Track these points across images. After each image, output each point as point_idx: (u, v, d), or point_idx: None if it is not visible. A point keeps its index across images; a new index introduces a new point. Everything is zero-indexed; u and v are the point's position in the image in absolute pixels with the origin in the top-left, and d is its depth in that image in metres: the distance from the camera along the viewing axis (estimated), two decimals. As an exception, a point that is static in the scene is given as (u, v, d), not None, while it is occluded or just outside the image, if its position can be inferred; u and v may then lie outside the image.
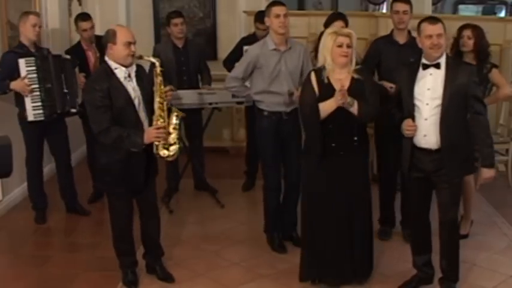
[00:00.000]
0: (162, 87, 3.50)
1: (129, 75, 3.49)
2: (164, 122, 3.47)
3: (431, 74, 3.40)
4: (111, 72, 3.43)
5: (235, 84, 4.24)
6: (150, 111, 3.55)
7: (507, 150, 5.71)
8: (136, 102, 3.49)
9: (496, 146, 5.56)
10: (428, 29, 3.36)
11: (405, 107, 3.49)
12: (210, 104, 5.09)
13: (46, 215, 4.86)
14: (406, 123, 3.45)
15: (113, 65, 3.45)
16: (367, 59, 4.45)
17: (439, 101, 3.35)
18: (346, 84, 3.55)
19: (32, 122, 4.50)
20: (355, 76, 3.57)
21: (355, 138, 3.60)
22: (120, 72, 3.44)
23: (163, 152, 3.49)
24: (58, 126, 4.72)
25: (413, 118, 3.44)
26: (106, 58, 3.50)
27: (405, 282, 3.72)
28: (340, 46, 3.51)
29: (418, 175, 3.52)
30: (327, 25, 4.33)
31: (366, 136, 3.72)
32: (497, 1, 10.36)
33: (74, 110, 4.67)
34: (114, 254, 3.80)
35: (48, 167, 5.24)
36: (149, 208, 3.78)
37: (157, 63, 3.51)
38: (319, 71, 3.61)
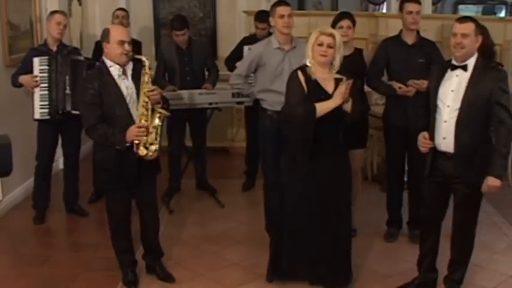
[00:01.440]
0: (149, 85, 3.48)
1: (124, 73, 3.52)
2: (147, 120, 3.48)
3: (457, 76, 3.33)
4: (106, 71, 3.49)
5: (239, 81, 4.32)
6: None
7: (507, 150, 5.69)
8: (128, 99, 3.51)
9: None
10: (455, 27, 3.30)
11: (431, 106, 3.43)
12: (210, 104, 5.09)
13: (45, 215, 4.86)
14: (422, 139, 3.42)
15: (108, 63, 3.51)
16: (376, 60, 4.44)
17: (460, 104, 3.28)
18: (332, 83, 3.52)
19: (41, 120, 4.56)
20: (337, 77, 3.54)
21: (339, 140, 3.59)
22: (114, 70, 3.50)
23: (142, 151, 3.49)
24: (73, 124, 4.67)
25: (434, 119, 3.39)
26: (103, 57, 3.55)
27: (405, 285, 3.70)
28: (320, 45, 3.48)
29: (437, 180, 3.45)
30: (333, 25, 4.34)
31: (348, 135, 3.66)
32: (497, 1, 10.38)
33: (75, 112, 4.57)
34: (114, 254, 3.80)
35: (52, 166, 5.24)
36: (148, 209, 3.78)
37: (146, 62, 3.50)
38: (304, 69, 3.57)
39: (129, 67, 3.56)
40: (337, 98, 3.43)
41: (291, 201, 3.64)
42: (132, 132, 3.42)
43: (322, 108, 3.44)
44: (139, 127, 3.43)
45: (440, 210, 3.54)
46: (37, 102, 4.54)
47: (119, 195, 3.64)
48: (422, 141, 3.41)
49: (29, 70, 4.52)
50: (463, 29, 3.28)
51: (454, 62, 3.36)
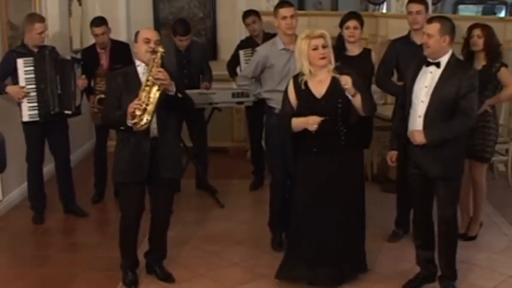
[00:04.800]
0: (155, 66, 3.49)
1: None
2: (146, 96, 3.50)
3: (431, 72, 3.44)
4: (133, 69, 3.66)
5: (245, 82, 4.43)
6: None
7: (507, 150, 5.70)
8: None
9: (496, 146, 5.57)
10: (424, 26, 3.47)
11: (407, 102, 3.52)
12: (210, 104, 5.09)
13: (44, 216, 4.86)
14: (390, 157, 3.65)
15: (136, 62, 3.68)
16: (385, 61, 4.42)
17: (429, 98, 3.39)
18: (326, 84, 3.55)
19: (29, 122, 4.51)
20: (335, 75, 3.54)
21: (342, 138, 3.58)
22: (140, 69, 3.65)
23: (134, 121, 3.49)
24: (59, 126, 4.71)
25: (408, 114, 3.49)
26: (134, 58, 3.75)
27: (409, 281, 3.72)
28: (315, 49, 3.50)
29: (416, 171, 3.55)
30: (341, 25, 4.34)
31: (355, 134, 3.64)
32: (497, 1, 10.37)
33: (68, 112, 4.62)
34: (114, 254, 3.81)
35: (48, 167, 5.23)
36: (161, 205, 3.78)
37: (160, 50, 3.51)
38: (297, 78, 3.61)
39: None
40: (309, 124, 3.47)
41: (301, 201, 3.66)
42: (130, 106, 3.48)
43: (296, 124, 3.55)
44: (138, 99, 3.47)
45: (426, 201, 3.62)
46: (25, 105, 4.47)
47: (134, 191, 3.66)
48: (392, 160, 3.66)
49: (11, 73, 4.46)
50: (427, 29, 3.40)
51: (429, 59, 3.45)
